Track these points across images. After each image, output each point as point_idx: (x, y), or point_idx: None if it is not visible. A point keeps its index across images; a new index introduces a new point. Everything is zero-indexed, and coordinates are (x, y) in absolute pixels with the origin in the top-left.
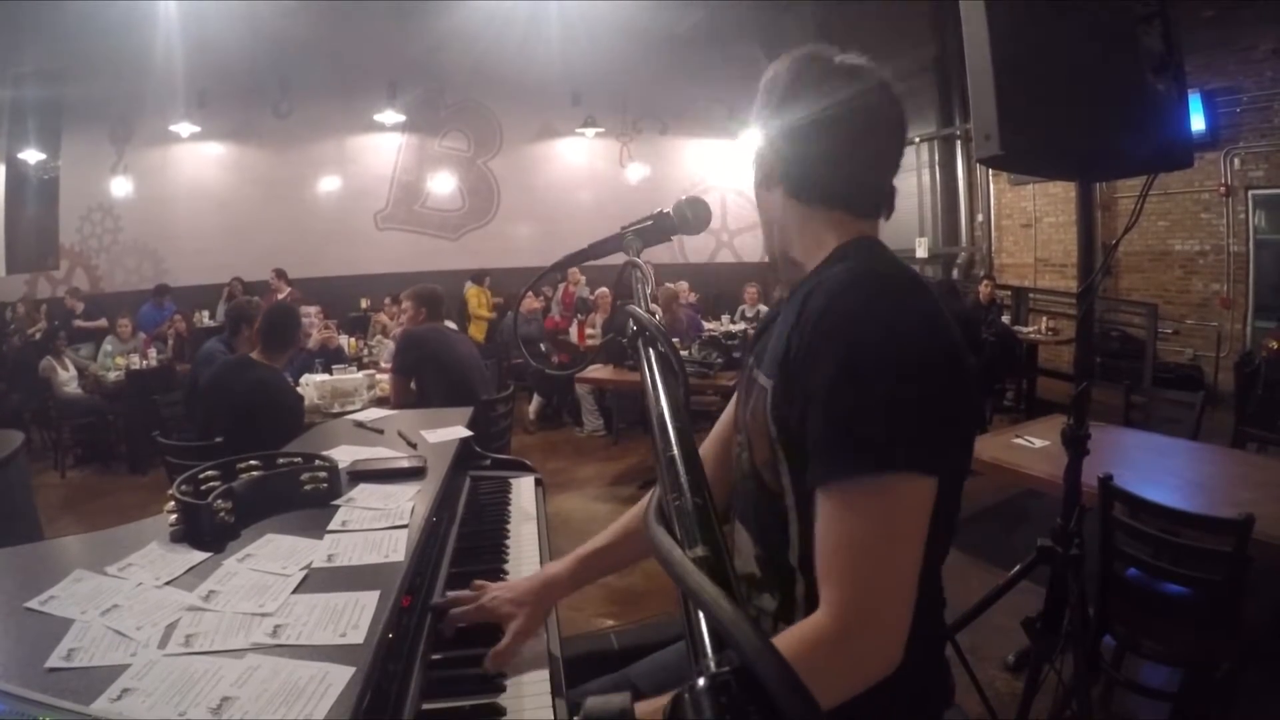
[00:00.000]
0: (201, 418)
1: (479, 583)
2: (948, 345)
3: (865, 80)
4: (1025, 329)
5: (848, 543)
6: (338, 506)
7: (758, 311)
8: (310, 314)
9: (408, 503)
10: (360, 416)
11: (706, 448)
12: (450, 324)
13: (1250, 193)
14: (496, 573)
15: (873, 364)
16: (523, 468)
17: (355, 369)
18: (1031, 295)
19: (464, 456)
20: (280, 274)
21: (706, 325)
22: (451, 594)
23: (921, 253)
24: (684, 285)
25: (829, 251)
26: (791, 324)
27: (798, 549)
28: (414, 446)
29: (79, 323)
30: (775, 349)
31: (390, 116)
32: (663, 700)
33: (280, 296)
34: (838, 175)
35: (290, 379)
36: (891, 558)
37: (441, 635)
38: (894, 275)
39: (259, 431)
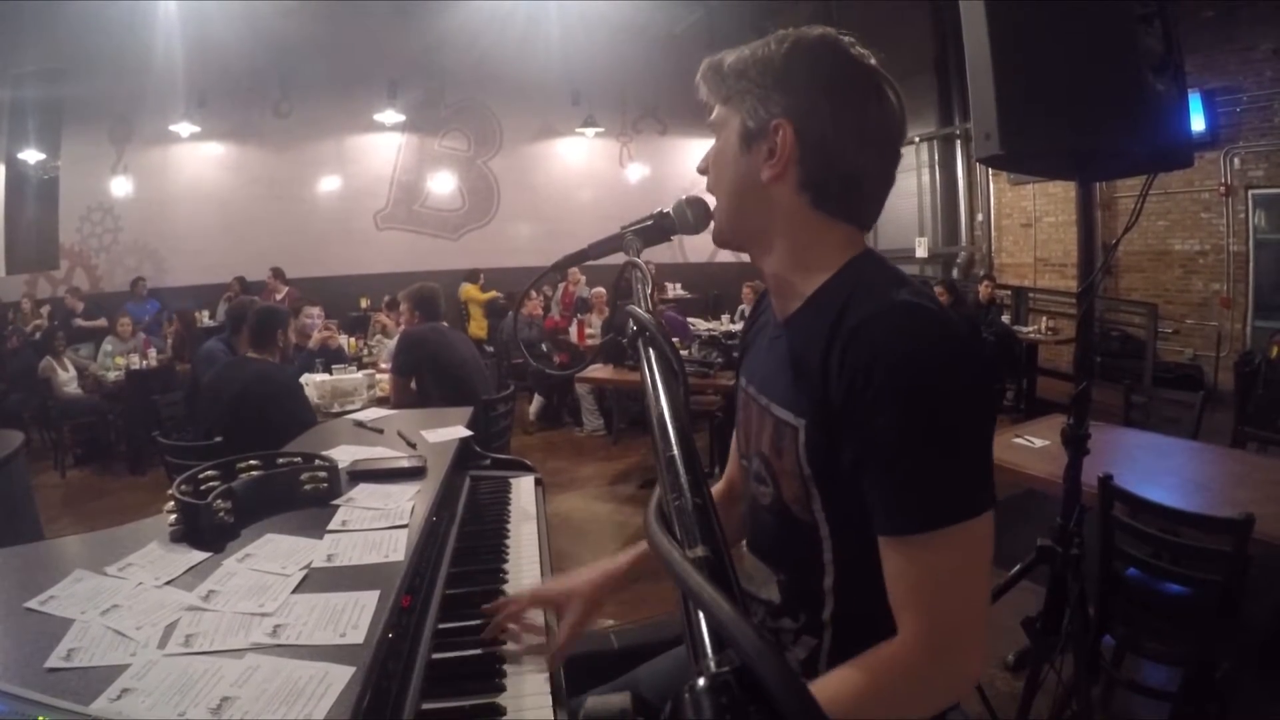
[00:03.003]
0: (204, 417)
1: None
2: (994, 381)
3: (890, 85)
4: (1025, 329)
5: (931, 580)
6: (338, 506)
7: None
8: (314, 315)
9: (408, 502)
10: (360, 416)
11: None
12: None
13: (1250, 192)
14: (496, 572)
15: (946, 418)
16: (523, 467)
17: (355, 369)
18: (1031, 295)
19: (464, 456)
20: (277, 273)
21: (705, 325)
22: (498, 603)
23: (921, 252)
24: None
25: (834, 268)
26: (820, 355)
27: (832, 575)
28: (414, 446)
29: (79, 322)
30: (801, 383)
31: (390, 116)
32: None
33: (279, 297)
34: (872, 193)
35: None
36: (973, 588)
37: (485, 641)
38: (939, 311)
39: (265, 422)
